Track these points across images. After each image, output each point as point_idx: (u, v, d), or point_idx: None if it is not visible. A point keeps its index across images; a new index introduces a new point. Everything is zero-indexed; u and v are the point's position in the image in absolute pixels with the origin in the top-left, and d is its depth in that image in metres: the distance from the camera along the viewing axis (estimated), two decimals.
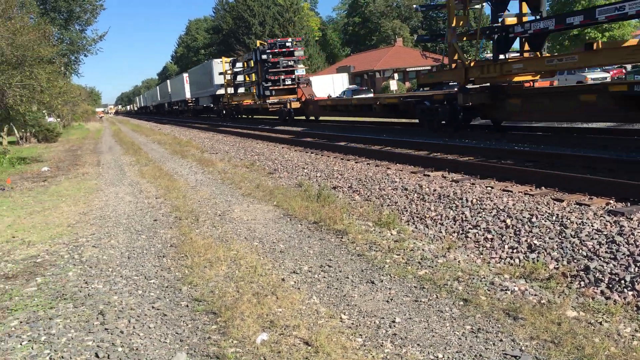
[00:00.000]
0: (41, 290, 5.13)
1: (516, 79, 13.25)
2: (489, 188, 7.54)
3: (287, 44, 28.71)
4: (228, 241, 6.34)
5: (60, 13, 35.61)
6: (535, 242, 5.32)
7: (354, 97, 28.78)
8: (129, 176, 13.15)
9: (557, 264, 4.82)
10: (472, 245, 5.65)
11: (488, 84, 13.56)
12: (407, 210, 7.23)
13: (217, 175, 11.91)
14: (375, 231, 6.39)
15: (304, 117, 27.38)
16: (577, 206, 6.14)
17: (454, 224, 6.36)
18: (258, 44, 31.10)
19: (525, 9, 13.16)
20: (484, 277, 4.70)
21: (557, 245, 5.15)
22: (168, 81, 70.24)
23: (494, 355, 3.38)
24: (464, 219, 6.41)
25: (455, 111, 13.93)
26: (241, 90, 35.47)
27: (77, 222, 8.11)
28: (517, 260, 5.08)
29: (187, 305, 4.48)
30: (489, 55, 15.53)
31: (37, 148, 27.40)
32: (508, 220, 5.98)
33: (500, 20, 13.11)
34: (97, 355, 3.68)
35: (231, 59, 38.77)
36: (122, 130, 42.62)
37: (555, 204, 6.34)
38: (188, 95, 51.54)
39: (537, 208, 6.20)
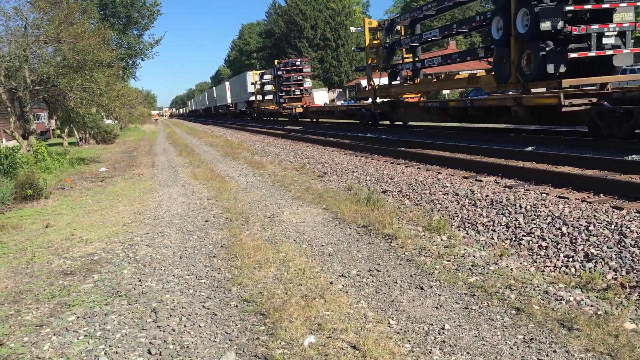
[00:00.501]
0: (97, 287, 5.30)
1: (405, 96, 21.43)
2: (544, 194, 7.34)
3: (297, 63, 38.65)
4: (277, 243, 6.40)
5: (119, 18, 36.85)
6: (593, 251, 5.14)
7: (327, 105, 41.26)
8: (182, 177, 13.45)
9: (616, 274, 4.65)
10: (526, 253, 5.51)
11: (389, 99, 21.83)
12: (457, 216, 7.12)
13: (267, 178, 12.04)
14: (425, 236, 6.32)
15: (308, 119, 35.09)
16: (638, 214, 5.90)
17: (507, 231, 6.21)
18: (275, 63, 40.23)
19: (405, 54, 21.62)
20: (538, 286, 4.57)
21: (615, 254, 4.96)
22: (214, 88, 79.09)
23: None
24: (517, 225, 6.26)
25: (374, 115, 22.73)
26: (268, 97, 44.48)
27: (132, 221, 8.34)
28: (572, 270, 4.92)
29: (237, 306, 4.54)
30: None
31: (96, 149, 28.36)
32: (564, 228, 5.80)
33: (389, 62, 21.90)
34: (149, 352, 3.77)
35: (260, 71, 47.82)
36: (176, 133, 43.63)
37: (614, 212, 6.12)
38: (229, 100, 60.41)
39: (594, 216, 5.99)
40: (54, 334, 4.19)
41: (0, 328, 4.35)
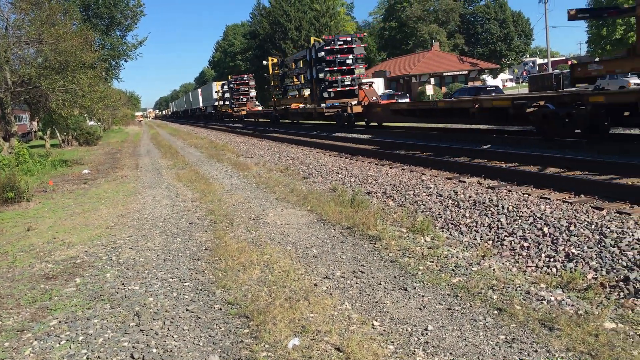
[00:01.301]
0: (80, 290, 5.26)
1: (292, 106, 30.65)
2: (526, 195, 7.41)
3: (244, 78, 49.52)
4: (262, 245, 6.39)
5: (102, 19, 36.52)
6: (574, 251, 5.21)
7: (263, 109, 46.43)
8: (166, 179, 13.38)
9: (596, 274, 4.71)
10: (508, 254, 5.56)
11: (284, 107, 30.34)
12: (441, 217, 7.16)
13: (251, 179, 12.02)
14: (409, 237, 6.35)
15: (252, 119, 41.71)
16: (618, 214, 5.99)
17: (489, 231, 6.27)
18: (229, 78, 50.59)
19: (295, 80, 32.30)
20: (520, 286, 4.62)
21: (595, 254, 5.03)
22: (190, 93, 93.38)
23: None
24: (500, 226, 6.32)
25: (350, 116, 24.15)
26: (227, 103, 52.58)
27: (116, 224, 8.29)
28: (554, 270, 4.98)
29: (221, 309, 4.53)
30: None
31: (78, 151, 28.10)
32: (545, 229, 5.87)
33: (282, 84, 33.94)
34: (132, 356, 3.75)
35: (222, 82, 56.95)
36: (160, 134, 43.37)
37: (594, 212, 6.20)
38: (201, 104, 72.19)
39: (575, 216, 6.06)
40: (35, 339, 4.15)
41: None
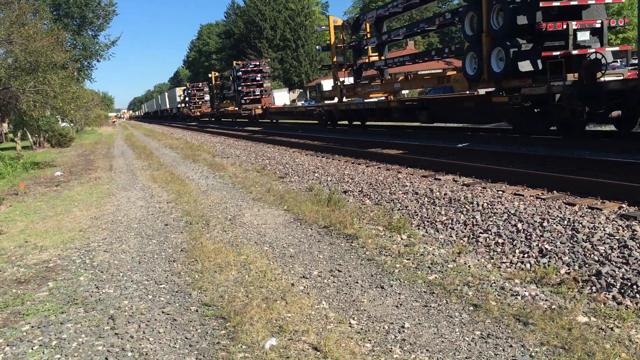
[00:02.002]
0: (53, 294, 5.17)
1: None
2: (500, 192, 7.50)
3: (200, 86, 60.06)
4: (238, 246, 6.36)
5: (74, 19, 35.95)
6: (547, 246, 5.28)
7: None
8: (141, 181, 13.23)
9: (569, 269, 4.78)
10: (483, 250, 5.61)
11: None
12: (417, 215, 7.21)
13: (228, 180, 11.95)
14: (385, 235, 6.38)
15: (206, 118, 48.99)
16: (589, 210, 6.09)
17: (465, 228, 6.32)
18: (188, 85, 62.04)
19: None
20: (495, 282, 4.67)
21: (568, 249, 5.11)
22: (159, 95, 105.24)
23: None
24: (475, 223, 6.38)
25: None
26: (188, 105, 62.94)
27: (89, 226, 8.17)
28: (527, 265, 5.04)
29: (197, 310, 4.50)
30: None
31: (50, 153, 27.64)
32: (519, 225, 5.94)
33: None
34: None
35: (183, 87, 67.94)
36: (135, 135, 42.89)
37: (567, 208, 6.30)
38: (168, 106, 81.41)
39: (548, 212, 6.15)
40: (7, 345, 4.07)
41: None
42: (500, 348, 3.52)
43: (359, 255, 5.69)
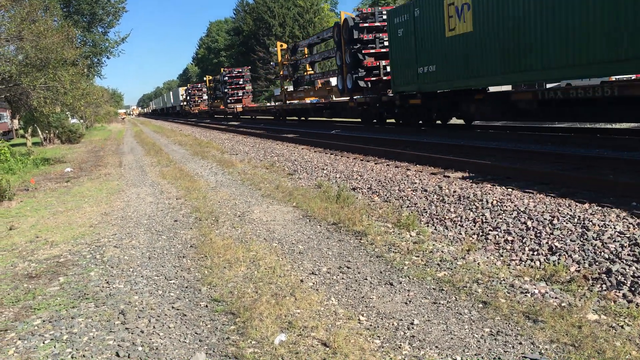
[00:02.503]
0: (64, 289, 5.21)
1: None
2: (510, 189, 7.48)
3: (199, 87, 66.40)
4: (247, 242, 6.38)
5: (84, 16, 36.15)
6: (557, 244, 5.26)
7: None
8: (150, 177, 13.29)
9: (579, 267, 4.76)
10: (492, 247, 5.60)
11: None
12: (426, 212, 7.20)
13: (237, 176, 11.98)
14: (394, 232, 6.37)
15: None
16: (600, 208, 6.06)
17: (474, 226, 6.31)
18: (188, 86, 72.27)
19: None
20: (504, 280, 4.66)
21: (578, 247, 5.09)
22: (165, 94, 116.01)
23: (512, 358, 3.36)
24: (484, 220, 6.36)
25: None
26: (189, 103, 69.58)
27: (99, 222, 8.22)
28: (537, 263, 5.02)
29: (207, 306, 4.52)
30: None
31: (61, 149, 27.81)
32: (529, 222, 5.92)
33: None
34: (117, 355, 3.73)
35: (185, 87, 76.07)
36: (144, 132, 43.07)
37: (577, 205, 6.27)
38: (173, 103, 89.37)
39: (558, 210, 6.13)
40: (19, 339, 4.11)
41: None
42: (510, 345, 3.51)
43: (368, 252, 5.69)
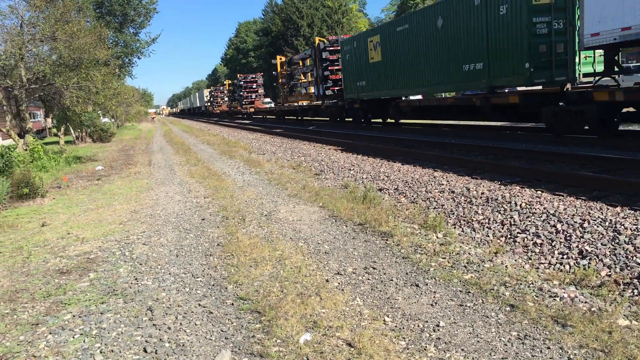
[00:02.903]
0: (93, 285, 5.31)
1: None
2: (539, 192, 7.37)
3: (221, 89, 71.81)
4: (273, 241, 6.41)
5: (115, 16, 36.73)
6: (587, 248, 5.17)
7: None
8: (179, 176, 13.45)
9: (610, 271, 4.67)
10: (520, 250, 5.53)
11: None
12: (453, 213, 7.14)
13: (264, 176, 12.05)
14: (420, 234, 6.34)
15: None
16: (632, 212, 5.93)
17: (502, 228, 6.23)
18: (211, 89, 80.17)
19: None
20: (532, 283, 4.59)
21: (609, 251, 4.99)
22: (191, 95, 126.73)
23: None
24: (512, 222, 6.28)
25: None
26: (213, 104, 77.01)
27: (129, 220, 8.35)
28: (567, 267, 4.94)
29: (233, 304, 4.55)
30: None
31: (92, 147, 28.31)
32: (558, 225, 5.83)
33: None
34: (145, 350, 3.78)
35: (209, 89, 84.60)
36: (173, 131, 43.58)
37: (609, 209, 6.15)
38: (198, 104, 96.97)
39: (589, 213, 6.02)
40: (50, 333, 4.20)
41: None
42: (538, 350, 3.46)
43: (394, 253, 5.67)
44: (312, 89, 31.96)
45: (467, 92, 20.58)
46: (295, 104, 38.11)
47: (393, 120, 23.98)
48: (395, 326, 3.94)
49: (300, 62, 36.74)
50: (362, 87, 23.61)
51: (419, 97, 23.60)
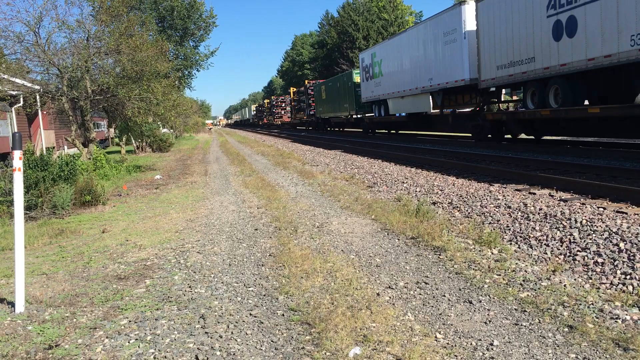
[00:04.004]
0: (149, 291, 5.44)
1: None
2: (601, 209, 7.09)
3: (273, 102, 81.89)
4: (325, 253, 6.41)
5: (176, 30, 37.86)
6: None
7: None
8: (233, 186, 13.67)
9: None
10: (580, 269, 5.33)
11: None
12: (509, 229, 6.96)
13: (316, 187, 12.09)
14: (475, 249, 6.20)
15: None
16: None
17: (561, 246, 6.03)
18: (262, 103, 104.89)
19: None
20: (592, 304, 4.41)
21: None
22: (243, 109, 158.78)
23: None
24: (572, 240, 6.07)
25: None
26: (259, 116, 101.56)
27: (184, 228, 8.53)
28: (630, 287, 4.72)
29: (283, 315, 4.57)
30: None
31: (151, 157, 29.14)
32: (621, 244, 5.59)
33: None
34: (197, 358, 3.84)
35: (256, 105, 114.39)
36: (229, 142, 44.41)
37: None
38: (247, 117, 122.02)
39: None
40: (107, 337, 4.32)
41: (57, 329, 4.51)
42: None
43: (447, 268, 5.57)
44: (304, 111, 57.33)
45: (340, 115, 43.10)
46: (298, 119, 63.95)
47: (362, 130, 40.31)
48: (447, 343, 3.86)
49: (300, 94, 59.07)
50: (320, 111, 48.97)
51: (340, 114, 42.73)
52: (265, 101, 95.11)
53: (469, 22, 19.95)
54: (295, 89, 66.13)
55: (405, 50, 26.85)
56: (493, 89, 20.18)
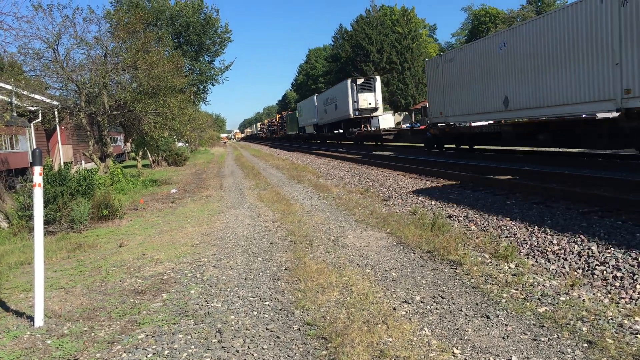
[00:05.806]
0: (166, 306, 5.47)
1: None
2: (619, 222, 7.02)
3: (278, 119, 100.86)
4: (340, 267, 6.40)
5: (192, 46, 38.26)
6: None
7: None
8: (248, 200, 13.72)
9: None
10: (599, 284, 5.27)
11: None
12: (526, 243, 6.91)
13: (331, 201, 12.10)
14: (491, 263, 6.16)
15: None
16: None
17: (579, 260, 5.97)
18: (276, 118, 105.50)
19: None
20: (612, 319, 4.36)
21: None
22: (254, 124, 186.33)
23: None
24: (590, 254, 6.01)
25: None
26: (270, 131, 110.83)
27: (200, 242, 8.57)
28: None
29: (299, 329, 4.57)
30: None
31: (167, 171, 29.36)
32: None
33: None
34: None
35: (267, 120, 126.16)
36: (244, 155, 44.61)
37: None
38: (256, 132, 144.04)
39: None
40: (124, 351, 4.34)
41: (75, 343, 4.55)
42: None
43: (464, 283, 5.54)
44: (283, 130, 75.49)
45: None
46: (283, 135, 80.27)
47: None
48: (465, 358, 3.83)
49: (283, 117, 78.52)
50: (304, 128, 61.12)
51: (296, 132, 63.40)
52: (265, 120, 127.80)
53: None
54: (279, 115, 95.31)
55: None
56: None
